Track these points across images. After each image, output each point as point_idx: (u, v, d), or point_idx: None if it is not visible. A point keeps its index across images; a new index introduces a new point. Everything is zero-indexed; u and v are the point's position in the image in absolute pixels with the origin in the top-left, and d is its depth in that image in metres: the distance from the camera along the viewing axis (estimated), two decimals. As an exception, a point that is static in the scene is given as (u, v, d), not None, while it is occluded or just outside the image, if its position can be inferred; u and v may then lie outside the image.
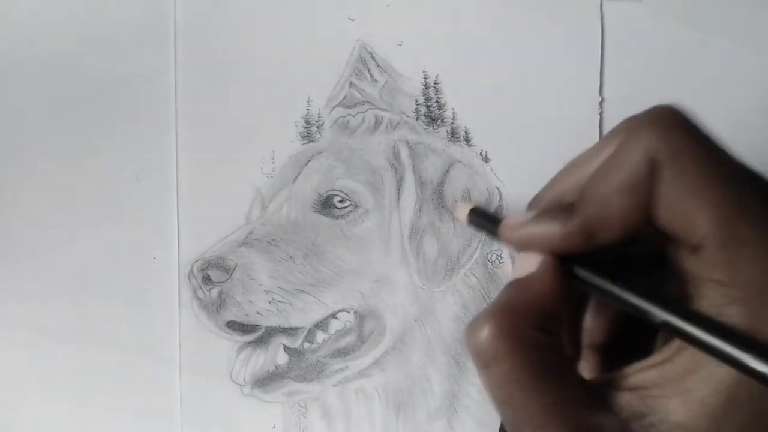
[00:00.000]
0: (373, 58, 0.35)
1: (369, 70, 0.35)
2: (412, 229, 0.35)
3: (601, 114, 0.35)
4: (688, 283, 0.21)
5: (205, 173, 0.35)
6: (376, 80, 0.35)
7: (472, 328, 0.21)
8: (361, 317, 0.35)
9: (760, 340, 0.19)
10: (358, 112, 0.35)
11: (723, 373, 0.19)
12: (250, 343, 0.35)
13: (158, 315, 0.35)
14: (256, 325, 0.35)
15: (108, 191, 0.35)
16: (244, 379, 0.35)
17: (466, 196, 0.35)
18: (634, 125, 0.21)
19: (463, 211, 0.32)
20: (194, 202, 0.35)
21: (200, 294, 0.34)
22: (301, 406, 0.35)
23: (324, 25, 0.35)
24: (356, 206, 0.35)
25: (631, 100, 0.35)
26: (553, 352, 0.22)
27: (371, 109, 0.35)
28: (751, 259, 0.19)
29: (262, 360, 0.35)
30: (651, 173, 0.20)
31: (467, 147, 0.35)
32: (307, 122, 0.35)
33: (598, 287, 0.23)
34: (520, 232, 0.24)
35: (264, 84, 0.35)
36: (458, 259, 0.35)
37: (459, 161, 0.35)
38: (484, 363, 0.21)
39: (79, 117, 0.35)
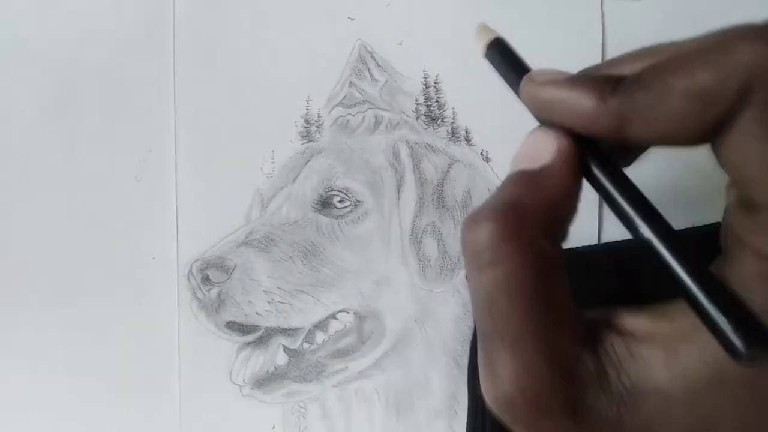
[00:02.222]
0: (373, 57, 0.35)
1: (369, 70, 0.35)
2: (412, 229, 0.35)
3: (602, 114, 0.35)
4: (726, 236, 0.18)
5: (205, 173, 0.35)
6: (376, 80, 0.35)
7: (472, 223, 0.18)
8: (360, 318, 0.34)
9: (753, 318, 0.16)
10: (358, 112, 0.35)
11: (717, 349, 0.16)
12: (249, 343, 0.35)
13: (158, 315, 0.35)
14: (256, 326, 0.34)
15: (108, 191, 0.35)
16: (244, 380, 0.34)
17: (467, 197, 0.35)
18: (739, 33, 0.17)
19: (482, 38, 0.25)
20: (194, 202, 0.35)
21: (199, 294, 0.34)
22: (300, 407, 0.35)
23: (324, 25, 0.35)
24: (356, 206, 0.35)
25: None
26: (555, 266, 0.19)
27: (371, 108, 0.35)
28: None
29: (261, 360, 0.35)
30: (738, 97, 0.16)
31: (468, 147, 0.35)
32: (307, 122, 0.35)
33: (608, 193, 0.18)
34: (546, 91, 0.19)
35: (264, 84, 0.35)
36: (459, 260, 0.35)
37: (459, 161, 0.35)
38: (478, 265, 0.18)
39: (78, 117, 0.35)
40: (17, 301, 0.34)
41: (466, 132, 0.35)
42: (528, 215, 0.18)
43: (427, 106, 0.35)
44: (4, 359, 0.34)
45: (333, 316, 0.35)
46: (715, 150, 0.18)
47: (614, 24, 0.35)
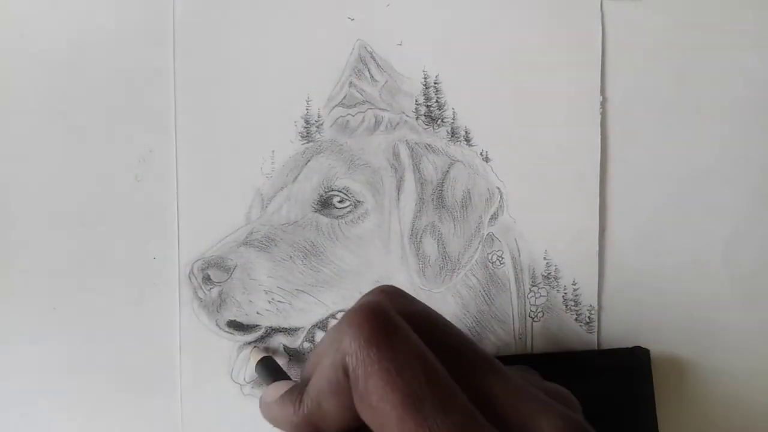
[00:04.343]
0: (373, 57, 0.35)
1: (369, 70, 0.35)
2: (412, 230, 0.35)
3: (602, 114, 0.35)
4: None
5: (205, 173, 0.35)
6: (375, 80, 0.35)
7: None
8: (360, 318, 0.35)
9: None
10: (358, 112, 0.35)
11: None
12: (250, 342, 0.35)
13: (158, 315, 0.35)
14: (257, 325, 0.35)
15: (108, 191, 0.35)
16: (245, 379, 0.35)
17: (467, 197, 0.35)
18: (343, 326, 0.22)
19: (254, 357, 0.34)
20: (194, 202, 0.35)
21: (200, 294, 0.35)
22: (301, 406, 0.35)
23: (324, 25, 0.35)
24: (356, 206, 0.35)
25: (633, 99, 0.35)
26: None
27: (371, 108, 0.35)
28: None
29: (262, 360, 0.35)
30: (346, 380, 0.21)
31: (467, 147, 0.35)
32: (307, 122, 0.35)
33: None
34: (269, 409, 0.25)
35: (264, 84, 0.35)
36: (458, 260, 0.35)
37: (459, 161, 0.35)
38: None
39: (78, 117, 0.35)
40: (17, 300, 0.35)
41: (466, 132, 0.35)
42: None
43: (427, 106, 0.35)
44: (4, 359, 0.35)
45: (333, 316, 0.35)
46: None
47: (614, 24, 0.35)
